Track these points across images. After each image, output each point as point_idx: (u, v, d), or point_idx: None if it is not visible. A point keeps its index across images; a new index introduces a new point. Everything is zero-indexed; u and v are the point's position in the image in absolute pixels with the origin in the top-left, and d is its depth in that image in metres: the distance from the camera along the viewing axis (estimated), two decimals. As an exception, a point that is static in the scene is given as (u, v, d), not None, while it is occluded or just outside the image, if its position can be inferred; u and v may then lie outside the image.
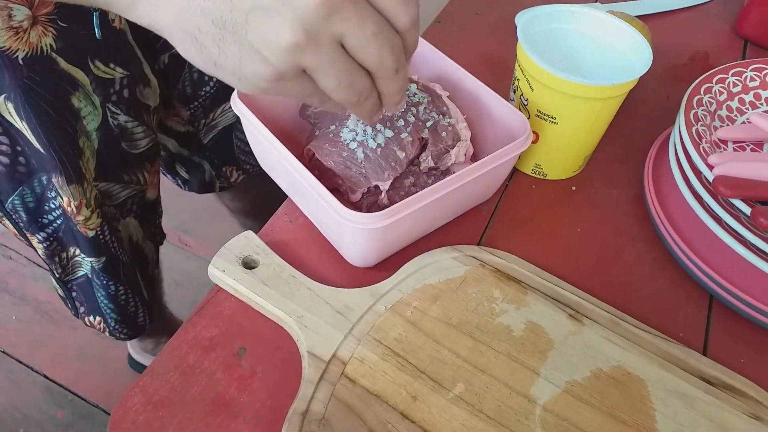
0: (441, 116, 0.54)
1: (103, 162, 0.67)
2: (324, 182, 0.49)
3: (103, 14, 0.58)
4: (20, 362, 1.33)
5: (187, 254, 1.52)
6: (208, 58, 0.34)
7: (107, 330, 0.83)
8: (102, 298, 0.78)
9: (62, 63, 0.58)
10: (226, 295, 0.49)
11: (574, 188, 0.61)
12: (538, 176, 0.61)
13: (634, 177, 0.62)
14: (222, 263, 0.49)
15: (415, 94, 0.54)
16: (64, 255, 0.73)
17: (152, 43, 0.68)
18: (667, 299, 0.53)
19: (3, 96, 0.57)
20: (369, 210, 0.52)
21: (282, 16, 0.31)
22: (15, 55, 0.55)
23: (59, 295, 0.81)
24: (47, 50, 0.56)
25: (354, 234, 0.46)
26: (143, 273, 0.84)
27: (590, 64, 0.59)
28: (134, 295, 0.81)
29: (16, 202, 0.66)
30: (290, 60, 0.33)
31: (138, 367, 1.29)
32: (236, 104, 0.51)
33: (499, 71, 0.72)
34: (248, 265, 0.50)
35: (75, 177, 0.63)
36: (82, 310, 0.81)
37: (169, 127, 0.79)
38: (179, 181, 0.92)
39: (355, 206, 0.53)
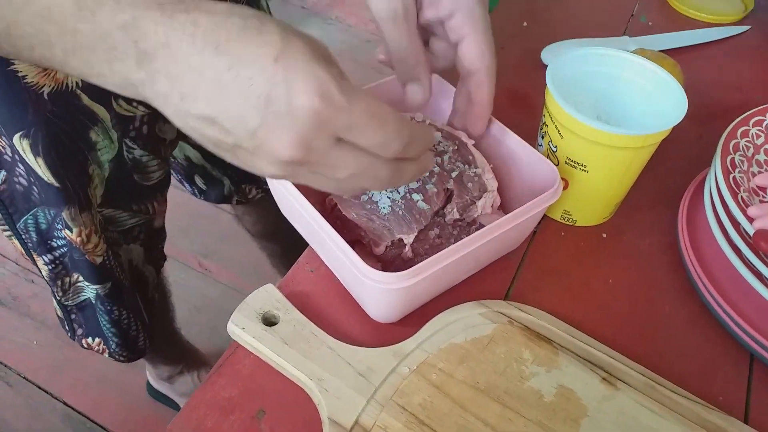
0: (467, 166, 0.52)
1: (112, 190, 0.68)
2: (346, 233, 0.48)
3: None
4: (40, 388, 1.32)
5: (207, 279, 1.52)
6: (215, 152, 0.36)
7: (107, 351, 0.82)
8: (105, 323, 0.78)
9: (85, 99, 0.59)
10: (246, 353, 0.48)
11: (604, 235, 0.59)
12: (567, 222, 0.59)
13: (667, 224, 0.60)
14: (242, 320, 0.48)
15: (440, 142, 0.53)
16: (68, 279, 0.73)
17: None
18: (704, 358, 0.50)
19: (20, 133, 0.58)
20: (392, 262, 0.51)
21: (261, 158, 0.34)
22: (41, 91, 0.56)
23: (57, 315, 0.81)
24: (72, 87, 0.57)
25: (377, 293, 0.45)
26: (143, 296, 0.84)
27: (621, 109, 0.57)
28: (136, 319, 0.81)
29: (29, 221, 0.66)
30: (289, 173, 0.35)
31: (156, 394, 1.29)
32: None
33: (526, 109, 0.71)
34: (268, 320, 0.48)
35: (86, 204, 0.64)
36: (80, 332, 0.81)
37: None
38: (195, 191, 0.93)
39: (379, 259, 0.51)
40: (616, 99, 0.57)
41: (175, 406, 1.28)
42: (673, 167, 0.65)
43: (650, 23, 0.85)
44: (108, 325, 0.78)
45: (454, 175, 0.52)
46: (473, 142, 0.55)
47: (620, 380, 0.46)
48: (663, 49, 0.78)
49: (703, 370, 0.50)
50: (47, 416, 1.29)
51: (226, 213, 1.64)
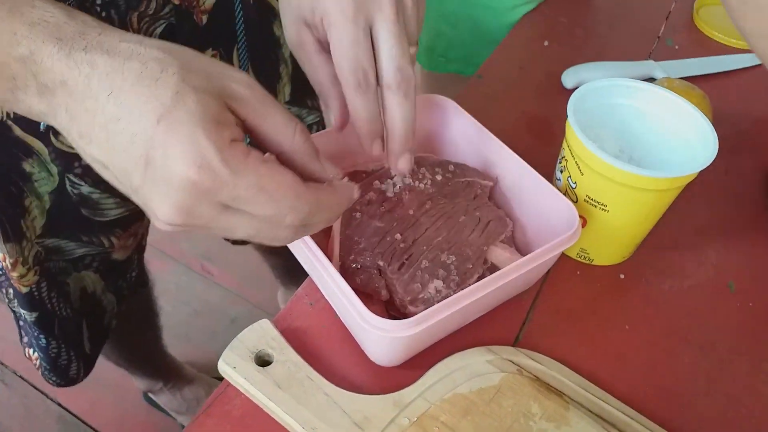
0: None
1: (55, 221, 0.63)
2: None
3: None
4: (35, 388, 1.30)
5: (209, 283, 1.49)
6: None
7: (41, 369, 0.79)
8: (34, 344, 0.75)
9: (17, 131, 0.55)
10: (237, 392, 0.45)
11: (622, 276, 0.56)
12: (583, 261, 0.56)
13: (688, 267, 0.57)
14: (233, 359, 0.45)
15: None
16: (11, 290, 0.70)
17: None
18: (726, 418, 0.47)
19: None
20: (394, 303, 0.48)
21: (150, 214, 0.32)
22: None
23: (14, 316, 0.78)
24: (2, 116, 0.54)
25: (380, 339, 0.42)
26: (93, 325, 0.79)
27: (646, 144, 0.54)
28: (69, 349, 0.77)
29: None
30: (175, 229, 0.33)
31: (152, 401, 1.26)
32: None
33: (545, 136, 0.67)
34: (262, 360, 0.45)
35: (12, 236, 0.60)
36: (25, 339, 0.78)
37: None
38: None
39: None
40: (641, 134, 0.54)
41: (169, 414, 1.25)
42: (697, 204, 0.62)
43: (676, 46, 0.82)
44: (37, 348, 0.75)
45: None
46: (491, 185, 0.52)
47: (635, 442, 0.43)
48: (689, 75, 0.75)
49: None
50: (41, 417, 1.27)
51: (231, 216, 1.61)
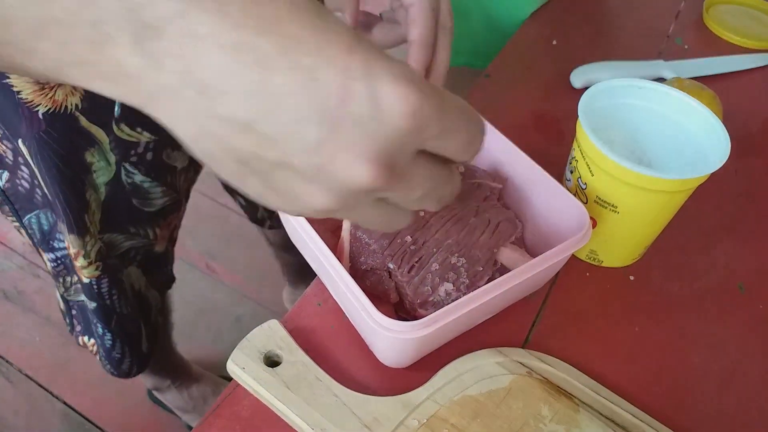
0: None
1: (108, 213, 0.65)
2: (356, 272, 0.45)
3: None
4: (40, 386, 1.31)
5: (214, 281, 1.49)
6: (229, 179, 0.26)
7: (98, 355, 0.80)
8: (94, 332, 0.76)
9: (83, 121, 0.56)
10: (245, 392, 0.45)
11: (632, 278, 0.55)
12: (593, 262, 0.56)
13: (697, 269, 0.56)
14: (242, 359, 0.44)
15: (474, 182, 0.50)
16: (69, 279, 0.72)
17: None
18: (737, 421, 0.47)
19: (20, 139, 0.56)
20: (403, 303, 0.47)
21: (315, 184, 0.24)
22: (36, 109, 0.53)
23: (60, 308, 0.80)
24: (71, 109, 0.55)
25: (389, 340, 0.42)
26: (146, 322, 0.81)
27: (658, 145, 0.53)
28: (123, 345, 0.78)
29: (32, 220, 0.65)
30: (318, 215, 0.26)
31: (157, 400, 1.26)
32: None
33: (553, 136, 0.67)
34: (271, 360, 0.45)
35: (77, 229, 0.62)
36: (78, 328, 0.79)
37: None
38: (240, 201, 0.92)
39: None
40: (652, 134, 0.53)
41: (174, 413, 1.25)
42: (707, 205, 0.61)
43: (686, 46, 0.81)
44: (94, 336, 0.77)
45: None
46: (500, 186, 0.52)
47: (646, 445, 0.43)
48: (699, 75, 0.75)
49: (735, 434, 0.46)
50: (46, 415, 1.27)
51: (235, 214, 1.62)
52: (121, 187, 0.63)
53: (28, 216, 0.65)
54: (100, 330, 0.74)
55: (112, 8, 0.22)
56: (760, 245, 0.59)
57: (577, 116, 0.50)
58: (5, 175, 0.61)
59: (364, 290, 0.41)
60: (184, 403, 1.21)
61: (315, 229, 0.44)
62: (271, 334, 0.46)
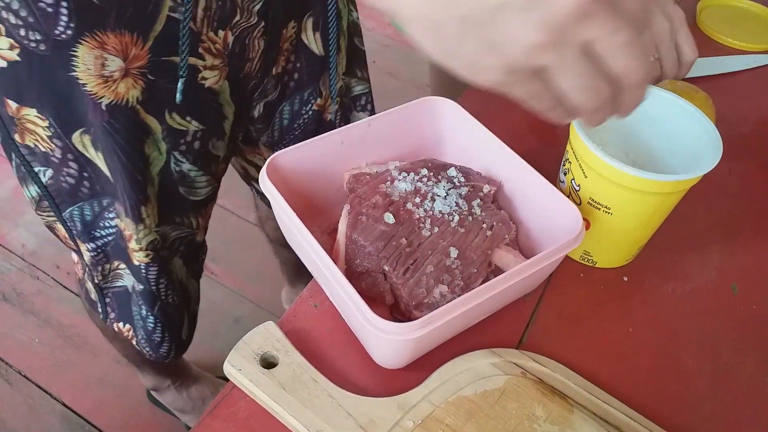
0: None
1: (161, 205, 0.68)
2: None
3: (192, 76, 0.60)
4: (40, 387, 1.31)
5: (212, 283, 1.49)
6: (444, 48, 0.33)
7: (134, 340, 0.82)
8: (135, 316, 0.78)
9: (141, 113, 0.59)
10: (242, 394, 0.46)
11: (625, 279, 0.56)
12: (586, 263, 0.56)
13: (691, 268, 0.57)
14: (239, 361, 0.45)
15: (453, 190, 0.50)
16: (108, 266, 0.74)
17: (249, 95, 0.70)
18: (729, 421, 0.47)
19: (81, 130, 0.59)
20: (399, 306, 0.48)
21: (532, 16, 0.29)
22: (99, 101, 0.56)
23: (90, 299, 0.81)
24: (132, 102, 0.57)
25: (384, 342, 0.42)
26: (188, 311, 0.83)
27: (652, 146, 0.54)
28: (164, 330, 0.80)
29: (74, 212, 0.67)
30: (531, 58, 0.31)
31: (156, 401, 1.26)
32: (265, 185, 0.47)
33: (547, 138, 0.68)
34: (267, 362, 0.46)
35: (132, 216, 0.64)
36: (112, 315, 0.81)
37: (251, 161, 0.84)
38: (254, 191, 0.95)
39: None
40: (645, 136, 0.54)
41: (174, 414, 1.26)
42: (700, 206, 0.62)
43: (680, 48, 0.82)
44: (137, 318, 0.78)
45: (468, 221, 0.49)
46: (494, 189, 0.52)
47: (639, 445, 0.43)
48: (692, 77, 0.75)
49: (727, 433, 0.47)
50: (45, 417, 1.27)
51: (234, 216, 1.62)
52: (170, 176, 0.66)
53: (70, 209, 0.67)
54: (143, 312, 0.76)
55: None
56: (754, 246, 0.59)
57: (571, 119, 0.50)
58: (49, 172, 0.63)
59: (359, 292, 0.41)
60: (183, 404, 1.21)
61: (311, 231, 0.45)
62: (268, 336, 0.47)
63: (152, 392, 1.25)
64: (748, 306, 0.54)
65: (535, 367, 0.47)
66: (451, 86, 1.03)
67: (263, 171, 0.48)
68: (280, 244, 1.20)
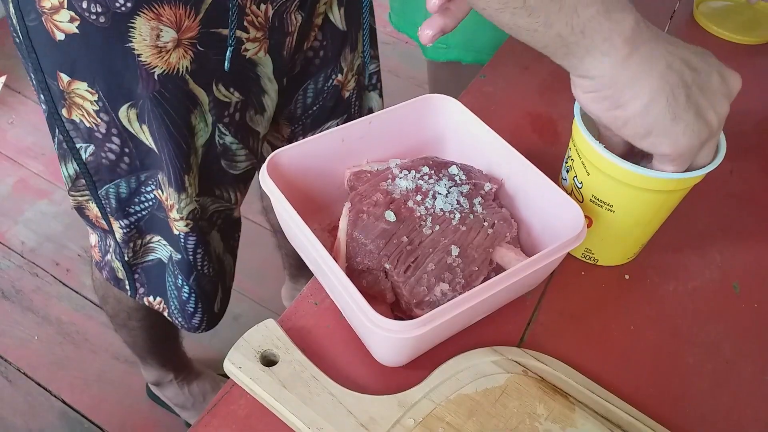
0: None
1: (203, 176, 0.69)
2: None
3: (236, 48, 0.62)
4: (39, 384, 1.31)
5: (212, 280, 1.49)
6: (664, 116, 0.43)
7: (166, 311, 0.82)
8: (170, 285, 0.79)
9: (191, 83, 0.61)
10: (242, 392, 0.45)
11: (627, 277, 0.56)
12: (588, 261, 0.56)
13: (692, 268, 0.57)
14: (239, 358, 0.45)
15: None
16: (140, 242, 0.75)
17: (290, 72, 0.74)
18: (731, 420, 0.47)
19: (127, 105, 0.61)
20: (400, 303, 0.48)
21: (721, 100, 0.45)
22: (152, 71, 0.58)
23: (116, 278, 0.81)
24: (182, 71, 0.59)
25: (385, 340, 0.42)
26: (223, 285, 0.84)
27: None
28: (198, 301, 0.80)
29: (110, 190, 0.69)
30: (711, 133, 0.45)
31: (156, 397, 1.26)
32: (266, 183, 0.47)
33: (548, 136, 0.67)
34: (267, 359, 0.46)
35: (175, 185, 0.66)
36: (141, 290, 0.82)
37: (268, 141, 0.86)
38: None
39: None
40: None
41: (174, 411, 1.26)
42: (702, 205, 0.62)
43: (682, 46, 0.82)
44: (172, 288, 0.79)
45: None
46: (496, 187, 0.52)
47: (640, 444, 0.43)
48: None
49: (729, 432, 0.46)
50: (44, 414, 1.27)
51: (234, 213, 1.62)
52: (213, 148, 0.67)
53: (106, 186, 0.68)
54: (179, 282, 0.77)
55: (591, 14, 0.42)
56: (756, 245, 0.59)
57: (573, 116, 0.50)
58: (90, 148, 0.65)
59: (360, 290, 0.41)
60: (183, 400, 1.21)
61: (311, 229, 0.44)
62: (268, 334, 0.47)
63: (153, 387, 1.25)
64: (750, 305, 0.54)
65: (536, 365, 0.47)
66: (449, 84, 1.02)
67: (263, 168, 0.48)
68: (284, 235, 1.20)
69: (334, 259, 0.44)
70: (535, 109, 0.70)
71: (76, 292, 1.47)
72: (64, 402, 1.29)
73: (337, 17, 0.73)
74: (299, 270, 1.31)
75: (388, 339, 0.41)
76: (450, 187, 0.51)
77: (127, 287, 0.82)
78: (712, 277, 0.56)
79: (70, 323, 1.41)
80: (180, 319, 0.82)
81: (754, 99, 0.75)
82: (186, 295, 0.79)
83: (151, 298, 0.82)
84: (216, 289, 0.82)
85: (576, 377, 0.47)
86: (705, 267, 0.57)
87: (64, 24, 0.56)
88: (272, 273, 1.40)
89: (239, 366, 0.44)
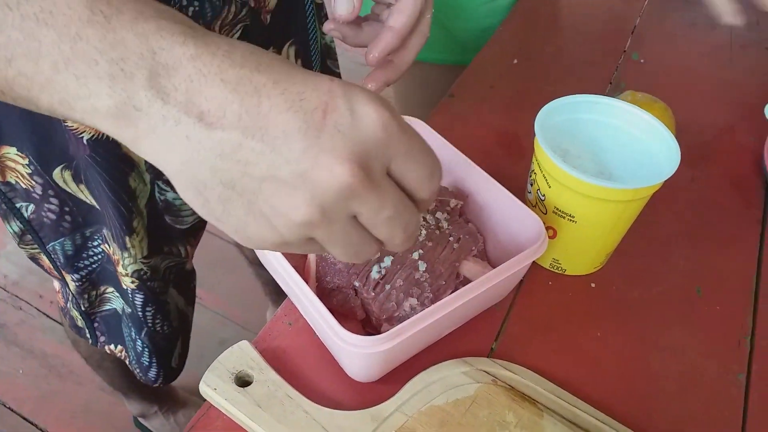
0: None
1: (150, 237, 0.68)
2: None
3: None
4: (24, 418, 1.30)
5: (197, 306, 1.48)
6: (211, 212, 0.30)
7: (128, 359, 0.82)
8: (127, 335, 0.78)
9: (124, 147, 0.60)
10: (218, 413, 0.46)
11: (593, 285, 0.57)
12: (556, 271, 0.58)
13: (657, 274, 0.59)
14: (214, 380, 0.46)
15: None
16: (94, 293, 0.74)
17: None
18: (697, 421, 0.48)
19: (61, 166, 0.59)
20: (369, 319, 0.49)
21: (299, 193, 0.28)
22: (81, 136, 0.56)
23: (76, 326, 0.80)
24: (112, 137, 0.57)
25: (355, 356, 0.43)
26: (183, 339, 0.83)
27: (613, 157, 0.55)
28: (151, 356, 0.79)
29: (56, 246, 0.68)
30: (300, 233, 0.29)
31: (143, 427, 1.26)
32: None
33: (514, 151, 0.69)
34: (242, 380, 0.46)
35: (117, 242, 0.65)
36: (102, 339, 0.81)
37: None
38: None
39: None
40: (608, 146, 0.56)
41: (160, 441, 1.25)
42: (665, 212, 0.64)
43: (642, 60, 0.84)
44: (128, 339, 0.78)
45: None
46: (461, 203, 0.54)
47: (607, 447, 0.45)
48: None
49: (695, 432, 0.48)
50: (31, 448, 1.26)
51: (217, 239, 1.62)
52: (155, 205, 0.66)
53: (52, 243, 0.67)
54: (133, 334, 0.76)
55: (136, 50, 0.26)
56: (717, 249, 0.61)
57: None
58: (31, 207, 0.64)
59: (331, 309, 0.42)
60: (170, 429, 1.21)
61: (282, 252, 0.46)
62: (242, 355, 0.48)
63: (139, 419, 1.24)
64: (712, 307, 0.56)
65: (505, 375, 0.48)
66: (416, 107, 1.04)
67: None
68: (259, 264, 1.21)
69: (305, 279, 0.45)
70: (502, 126, 0.72)
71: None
72: (50, 436, 1.28)
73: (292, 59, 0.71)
74: (279, 295, 1.31)
75: (357, 355, 0.42)
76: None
77: (88, 336, 0.81)
78: (676, 283, 0.58)
79: (54, 356, 1.40)
80: (138, 371, 0.82)
81: (714, 110, 0.78)
82: (140, 348, 0.78)
83: (112, 347, 0.81)
84: (173, 344, 0.80)
85: (544, 384, 0.48)
86: (669, 272, 0.59)
87: None
88: (256, 297, 1.41)
89: (214, 387, 0.45)
